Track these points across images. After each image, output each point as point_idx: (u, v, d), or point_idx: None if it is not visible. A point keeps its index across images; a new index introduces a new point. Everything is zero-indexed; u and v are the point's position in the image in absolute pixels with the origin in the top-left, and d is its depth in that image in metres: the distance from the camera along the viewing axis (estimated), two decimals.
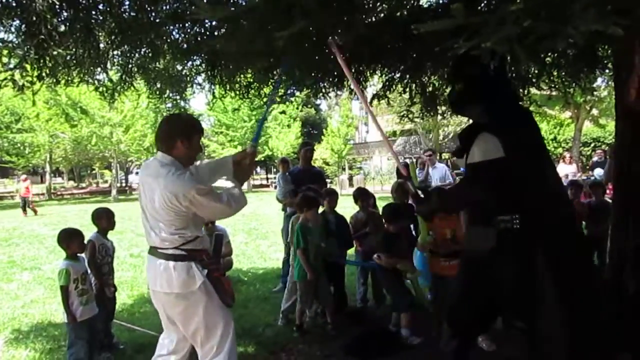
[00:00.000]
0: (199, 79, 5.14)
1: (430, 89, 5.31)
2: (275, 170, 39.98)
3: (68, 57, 3.74)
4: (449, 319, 3.20)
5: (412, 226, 5.34)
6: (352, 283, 6.01)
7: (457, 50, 1.67)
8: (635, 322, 3.41)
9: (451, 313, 3.17)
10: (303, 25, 2.22)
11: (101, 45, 3.92)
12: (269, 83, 4.98)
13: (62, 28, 3.39)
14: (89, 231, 4.46)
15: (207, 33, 3.76)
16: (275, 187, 7.27)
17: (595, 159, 13.37)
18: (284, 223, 6.45)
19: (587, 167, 17.70)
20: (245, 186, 3.22)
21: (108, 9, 3.54)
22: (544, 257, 2.58)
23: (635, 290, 3.57)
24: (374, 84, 6.89)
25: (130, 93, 5.13)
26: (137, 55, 4.32)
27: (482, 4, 3.11)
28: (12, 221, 16.91)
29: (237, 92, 5.12)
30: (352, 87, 5.05)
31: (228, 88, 4.97)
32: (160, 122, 3.06)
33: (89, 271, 4.20)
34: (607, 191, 6.68)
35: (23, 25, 3.22)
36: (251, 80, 4.96)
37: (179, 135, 2.90)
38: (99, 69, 4.35)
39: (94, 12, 3.55)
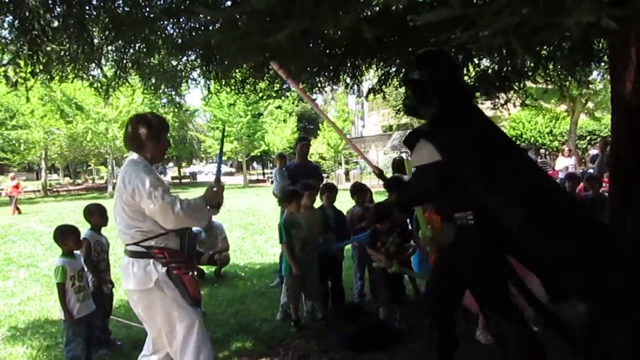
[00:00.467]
0: (194, 74, 5.11)
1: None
2: (271, 165, 39.95)
3: (62, 53, 3.72)
4: (426, 310, 3.32)
5: (408, 220, 5.34)
6: (350, 278, 6.01)
7: (455, 41, 1.66)
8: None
9: (427, 304, 3.30)
10: (299, 23, 2.21)
11: (95, 41, 3.89)
12: (265, 78, 4.96)
13: (56, 24, 3.37)
14: (86, 228, 4.45)
15: (202, 28, 3.74)
16: (272, 182, 7.25)
17: (594, 152, 13.41)
18: (280, 218, 6.45)
19: (583, 160, 17.74)
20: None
21: (102, 4, 3.52)
22: (492, 253, 2.72)
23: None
24: (370, 78, 6.88)
25: (125, 89, 5.10)
26: (131, 50, 4.30)
27: None
28: (7, 218, 16.86)
29: (233, 87, 5.10)
30: (347, 81, 5.06)
31: (223, 83, 4.95)
32: (127, 123, 3.06)
33: (85, 268, 4.19)
34: (604, 184, 6.70)
35: (16, 21, 3.19)
36: (246, 75, 4.94)
37: (148, 135, 2.94)
38: (93, 64, 4.32)
39: (87, 8, 3.52)
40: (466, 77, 5.11)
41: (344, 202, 6.05)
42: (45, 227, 13.56)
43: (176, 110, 5.79)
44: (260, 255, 8.84)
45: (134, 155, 2.94)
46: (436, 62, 2.77)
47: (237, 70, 4.78)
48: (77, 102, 25.54)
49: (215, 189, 3.03)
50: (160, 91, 5.29)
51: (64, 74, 4.22)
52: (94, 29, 3.76)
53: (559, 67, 4.69)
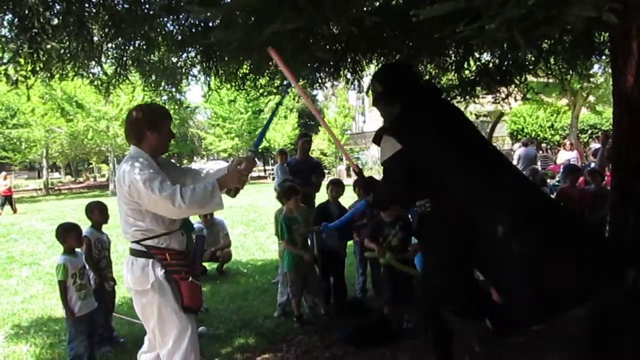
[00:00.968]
0: (194, 71, 5.10)
1: (427, 77, 5.29)
2: (273, 161, 39.97)
3: (62, 51, 3.71)
4: (419, 306, 3.46)
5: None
6: (352, 273, 6.02)
7: (459, 35, 1.65)
8: (634, 306, 3.42)
9: (419, 301, 3.47)
10: (297, 20, 2.20)
11: (95, 39, 3.88)
12: (265, 74, 4.95)
13: (55, 21, 3.36)
14: (87, 225, 4.45)
15: (202, 25, 3.73)
16: (274, 179, 7.26)
17: (595, 145, 13.40)
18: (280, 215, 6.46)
19: (585, 154, 17.70)
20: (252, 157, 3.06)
21: (101, 1, 3.51)
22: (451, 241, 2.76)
23: (634, 276, 3.58)
24: (370, 73, 6.86)
25: (125, 86, 5.09)
26: (131, 47, 4.29)
27: None
28: (9, 217, 16.88)
29: (233, 84, 5.09)
30: (348, 76, 5.05)
31: (224, 80, 4.94)
32: (127, 115, 2.94)
33: (87, 266, 4.20)
34: (606, 178, 6.68)
35: (16, 19, 3.19)
36: (247, 71, 4.93)
37: (147, 126, 2.82)
38: (93, 62, 4.31)
39: (87, 5, 3.51)
40: (467, 71, 5.11)
41: (346, 198, 6.04)
42: (47, 225, 13.57)
43: (177, 107, 5.78)
44: (262, 252, 8.85)
45: (132, 150, 2.83)
46: (391, 73, 3.20)
47: (237, 67, 4.77)
48: (77, 100, 25.48)
49: (240, 167, 2.78)
50: (161, 88, 5.28)
51: (64, 72, 4.22)
52: (93, 27, 3.75)
53: (560, 60, 4.68)
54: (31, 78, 3.77)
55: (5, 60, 3.37)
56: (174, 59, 4.86)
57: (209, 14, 2.41)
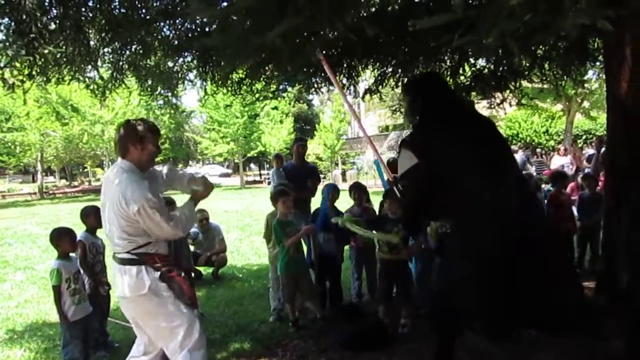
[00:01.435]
0: (191, 75, 5.12)
1: None
2: (268, 166, 39.94)
3: (58, 55, 3.72)
4: (431, 316, 3.35)
5: None
6: (348, 278, 6.02)
7: (455, 44, 1.67)
8: (628, 311, 3.45)
9: (432, 311, 3.35)
10: (294, 22, 2.21)
11: (91, 43, 3.89)
12: (261, 79, 4.97)
13: (52, 26, 3.37)
14: (82, 230, 4.44)
15: (198, 29, 3.75)
16: (269, 184, 7.26)
17: (590, 151, 13.46)
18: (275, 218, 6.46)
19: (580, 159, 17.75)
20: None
21: (98, 6, 3.53)
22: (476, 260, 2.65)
23: (627, 280, 3.60)
24: (366, 78, 6.89)
25: (121, 90, 5.10)
26: (127, 52, 4.30)
27: None
28: (4, 221, 16.80)
29: (229, 89, 5.10)
30: (344, 82, 5.07)
31: (220, 84, 4.95)
32: (116, 129, 3.11)
33: (81, 270, 4.19)
34: (600, 183, 6.72)
35: (12, 24, 3.19)
36: (243, 76, 4.95)
37: (130, 141, 2.93)
38: (89, 66, 4.32)
39: (83, 10, 3.53)
40: (462, 77, 5.13)
41: (342, 202, 6.05)
42: (42, 229, 13.52)
43: (172, 111, 5.79)
44: (258, 257, 8.83)
45: (122, 163, 2.94)
46: (422, 83, 3.15)
47: (233, 71, 4.79)
48: (72, 104, 25.47)
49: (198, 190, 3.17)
50: (157, 93, 5.30)
51: (60, 76, 4.22)
52: (90, 31, 3.76)
53: (554, 66, 4.72)
54: (28, 82, 3.78)
55: (1, 65, 3.37)
56: (170, 64, 4.87)
57: (207, 16, 2.42)
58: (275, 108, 35.26)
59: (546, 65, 4.69)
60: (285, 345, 4.41)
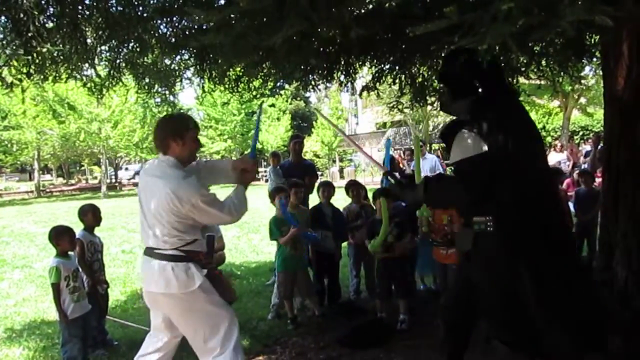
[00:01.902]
0: (188, 73, 5.11)
1: (420, 80, 5.31)
2: (265, 164, 39.92)
3: (56, 54, 3.71)
4: (442, 317, 3.09)
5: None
6: (346, 275, 6.03)
7: (456, 46, 1.68)
8: (625, 307, 3.46)
9: (443, 312, 3.09)
10: (295, 25, 2.21)
11: (88, 41, 3.88)
12: (259, 76, 4.96)
13: (50, 24, 3.36)
14: (80, 228, 4.44)
15: (196, 27, 3.74)
16: (267, 181, 7.26)
17: (587, 147, 13.50)
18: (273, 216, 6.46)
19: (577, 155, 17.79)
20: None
21: (95, 4, 3.51)
22: (522, 266, 2.45)
23: (624, 276, 3.62)
24: (363, 75, 6.89)
25: (118, 88, 5.09)
26: (125, 50, 4.29)
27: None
28: (1, 220, 16.78)
29: (227, 86, 5.10)
30: (341, 79, 5.07)
31: (217, 82, 4.95)
32: (155, 125, 3.09)
33: (79, 268, 4.19)
34: (597, 180, 6.75)
35: (10, 23, 3.18)
36: (240, 74, 4.94)
37: (171, 136, 2.91)
38: (86, 64, 4.31)
39: (80, 8, 3.51)
40: None
41: (339, 200, 6.06)
42: (39, 227, 13.50)
43: (170, 109, 5.78)
44: (256, 254, 8.84)
45: (164, 158, 2.93)
46: (472, 57, 2.57)
47: (231, 69, 4.78)
48: (69, 102, 25.36)
49: (246, 169, 3.23)
50: (154, 90, 5.29)
51: (57, 75, 4.21)
52: (87, 29, 3.75)
53: (551, 62, 4.72)
54: (25, 81, 3.77)
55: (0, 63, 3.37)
56: (168, 61, 4.86)
57: (206, 17, 2.41)
58: (273, 105, 35.26)
59: (543, 62, 4.69)
60: (283, 342, 4.42)
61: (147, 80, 5.02)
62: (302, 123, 45.33)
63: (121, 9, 3.56)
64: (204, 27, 3.57)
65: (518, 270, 2.44)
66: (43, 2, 3.16)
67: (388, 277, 4.70)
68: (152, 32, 3.88)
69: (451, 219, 4.49)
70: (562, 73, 4.94)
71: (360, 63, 4.94)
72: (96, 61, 4.37)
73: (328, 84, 5.51)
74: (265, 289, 6.18)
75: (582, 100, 21.37)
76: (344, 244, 5.84)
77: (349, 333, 4.31)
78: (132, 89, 5.57)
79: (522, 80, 5.21)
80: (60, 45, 3.63)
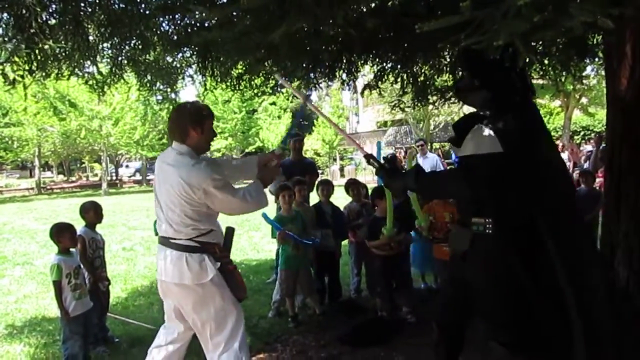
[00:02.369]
0: (190, 70, 5.12)
1: (422, 78, 5.31)
2: None
3: (58, 51, 3.71)
4: (435, 318, 3.07)
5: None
6: (346, 274, 6.03)
7: (463, 45, 1.66)
8: (627, 306, 3.47)
9: (436, 313, 3.09)
10: (298, 24, 2.21)
11: (91, 38, 3.88)
12: (260, 74, 4.96)
13: (52, 21, 3.36)
14: (81, 225, 4.44)
15: (198, 25, 3.74)
16: None
17: (588, 147, 13.52)
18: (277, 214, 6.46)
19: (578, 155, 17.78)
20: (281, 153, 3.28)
21: (97, 1, 3.51)
22: (519, 269, 2.40)
23: (626, 276, 3.62)
24: (365, 74, 6.88)
25: (120, 85, 5.09)
26: (127, 47, 4.29)
27: None
28: (1, 216, 16.78)
29: (228, 84, 5.10)
30: (343, 77, 5.07)
31: (219, 80, 4.95)
32: (171, 112, 3.07)
33: (81, 265, 4.19)
34: (597, 180, 6.75)
35: (12, 19, 3.18)
36: (242, 71, 4.94)
37: (191, 124, 2.89)
38: (88, 62, 4.31)
39: (83, 5, 3.51)
40: (462, 73, 5.13)
41: (340, 198, 6.06)
42: (40, 224, 13.51)
43: (171, 107, 5.78)
44: (257, 252, 8.84)
45: (179, 147, 2.90)
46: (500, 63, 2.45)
47: (232, 67, 4.78)
48: (70, 99, 25.35)
49: (269, 163, 3.21)
50: (156, 88, 5.29)
51: (59, 72, 4.21)
52: (89, 26, 3.75)
53: (554, 62, 4.71)
54: (27, 78, 3.77)
55: (1, 60, 3.37)
56: (170, 59, 4.87)
57: (209, 14, 2.41)
58: (274, 104, 35.24)
59: (546, 61, 4.69)
60: (284, 340, 4.42)
61: (148, 77, 5.02)
62: (303, 121, 45.31)
63: (123, 6, 3.56)
64: (207, 25, 3.57)
65: (516, 273, 2.40)
66: None
67: (389, 275, 4.70)
68: (154, 29, 3.88)
69: (453, 217, 4.50)
70: (564, 72, 4.93)
71: (362, 61, 4.94)
72: (98, 58, 4.37)
73: (329, 83, 5.50)
74: (266, 287, 6.18)
75: (584, 100, 21.36)
76: (345, 243, 5.84)
77: (349, 331, 4.31)
78: (133, 86, 5.57)
79: None
80: (63, 42, 3.63)
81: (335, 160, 35.65)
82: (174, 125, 2.95)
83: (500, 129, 2.40)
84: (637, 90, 3.47)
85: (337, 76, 5.02)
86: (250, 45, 2.89)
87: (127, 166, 46.04)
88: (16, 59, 3.39)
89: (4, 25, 3.31)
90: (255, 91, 5.46)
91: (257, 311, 5.22)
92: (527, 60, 4.47)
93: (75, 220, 4.59)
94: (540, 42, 4.14)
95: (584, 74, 6.10)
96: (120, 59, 4.49)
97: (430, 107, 7.05)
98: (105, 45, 4.21)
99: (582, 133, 23.37)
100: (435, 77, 5.32)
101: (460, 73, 3.00)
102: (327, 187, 5.58)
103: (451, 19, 1.60)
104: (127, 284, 6.78)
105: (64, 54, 3.88)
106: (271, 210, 5.34)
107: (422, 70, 5.27)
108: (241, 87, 5.25)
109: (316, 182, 6.06)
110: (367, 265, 5.64)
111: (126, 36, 3.97)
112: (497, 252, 2.48)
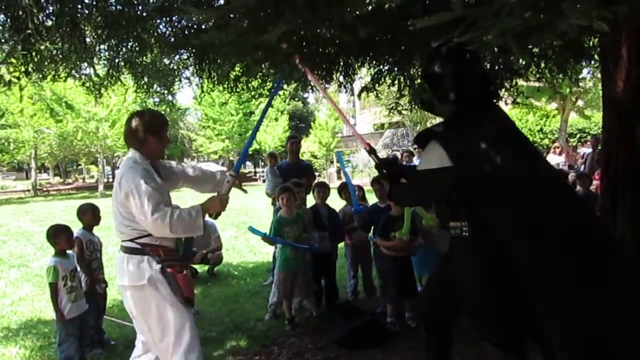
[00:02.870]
0: (187, 73, 5.11)
1: (419, 81, 5.31)
2: (263, 164, 39.91)
3: (54, 52, 3.71)
4: (422, 319, 3.12)
5: None
6: (343, 276, 6.04)
7: (456, 42, 1.67)
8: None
9: (423, 314, 3.11)
10: (292, 25, 2.21)
11: (87, 40, 3.88)
12: (257, 76, 4.96)
13: (49, 23, 3.36)
14: (77, 227, 4.43)
15: (195, 27, 3.73)
16: (264, 181, 7.25)
17: (585, 150, 13.57)
18: (273, 217, 6.46)
19: (574, 158, 17.84)
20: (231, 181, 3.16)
21: (94, 2, 3.51)
22: (495, 269, 2.44)
23: None
24: (362, 76, 6.88)
25: (117, 87, 5.08)
26: (124, 49, 4.29)
27: None
28: None
29: (225, 86, 5.09)
30: (340, 79, 5.07)
31: (216, 82, 4.94)
32: (127, 119, 3.02)
33: (77, 268, 4.18)
34: (594, 182, 6.76)
35: (9, 20, 3.17)
36: (239, 74, 4.94)
37: (150, 132, 2.91)
38: (85, 63, 4.31)
39: (80, 6, 3.51)
40: None
41: (336, 201, 6.06)
42: (36, 226, 13.46)
43: (168, 109, 5.77)
44: (253, 254, 8.84)
45: (134, 154, 2.90)
46: (457, 56, 2.50)
47: (230, 69, 4.78)
48: (67, 101, 25.30)
49: (221, 198, 3.03)
50: (153, 90, 5.28)
51: (56, 73, 4.20)
52: (86, 28, 3.75)
53: (550, 64, 4.72)
54: (24, 79, 3.76)
55: None
56: (167, 61, 4.86)
57: (204, 16, 2.41)
58: (271, 106, 35.20)
59: (542, 63, 4.70)
60: (281, 342, 4.42)
61: (145, 79, 5.01)
62: (300, 124, 45.34)
63: (120, 8, 3.56)
64: (203, 27, 3.57)
65: (494, 274, 2.45)
66: (42, 0, 3.15)
67: (397, 277, 4.69)
68: (151, 31, 3.88)
69: None
70: (561, 75, 4.94)
71: (359, 64, 4.94)
72: (95, 60, 4.37)
73: (326, 85, 5.50)
74: (262, 289, 6.18)
75: (580, 102, 21.40)
76: (341, 245, 5.84)
77: (346, 334, 4.31)
78: (130, 88, 5.56)
79: (521, 82, 5.21)
80: (59, 44, 3.62)
81: (332, 162, 35.62)
82: (132, 133, 2.94)
83: (450, 143, 2.47)
84: (633, 93, 3.47)
85: (334, 78, 5.02)
86: (247, 47, 2.89)
87: None
88: (13, 60, 3.38)
89: (0, 27, 3.30)
90: (252, 93, 5.45)
91: (254, 313, 5.22)
92: (523, 62, 4.50)
93: (72, 222, 4.59)
94: (537, 45, 4.16)
95: (580, 76, 6.11)
96: (117, 60, 4.48)
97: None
98: (102, 47, 4.21)
99: (578, 135, 23.42)
100: None
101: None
102: (323, 190, 5.58)
103: (443, 16, 1.61)
104: None
105: (60, 55, 3.88)
106: (270, 211, 5.35)
107: (419, 73, 5.27)
108: (238, 89, 5.25)
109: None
110: (363, 267, 5.64)
111: (123, 38, 3.97)
112: (474, 253, 2.54)
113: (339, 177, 30.26)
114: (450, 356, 2.99)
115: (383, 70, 5.05)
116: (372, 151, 3.16)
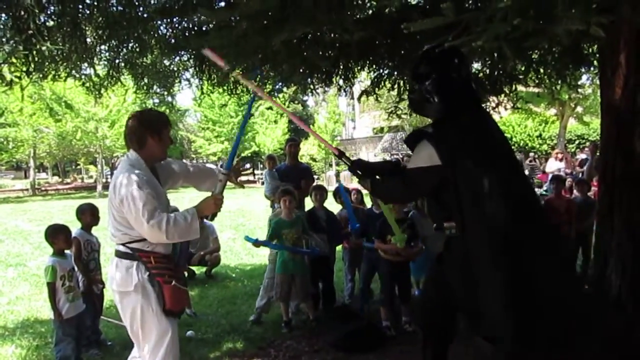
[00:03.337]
0: (187, 74, 5.12)
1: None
2: (262, 166, 39.91)
3: (55, 52, 3.71)
4: (419, 321, 3.14)
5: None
6: (341, 279, 6.04)
7: (449, 45, 1.69)
8: (619, 315, 3.48)
9: (420, 316, 3.13)
10: (299, 30, 2.22)
11: (88, 40, 3.89)
12: (257, 78, 4.96)
13: (50, 23, 3.37)
14: (75, 227, 4.43)
15: (195, 28, 3.75)
16: (263, 184, 7.25)
17: (583, 156, 13.60)
18: (269, 220, 6.46)
19: (572, 164, 17.88)
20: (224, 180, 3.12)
21: (95, 3, 3.52)
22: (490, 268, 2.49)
23: (618, 285, 3.64)
24: (362, 80, 6.91)
25: (117, 88, 5.09)
26: (124, 50, 4.30)
27: (471, 1, 3.13)
28: None
29: (225, 88, 5.11)
30: (340, 83, 5.08)
31: (216, 84, 4.96)
32: (127, 119, 2.94)
33: (75, 268, 4.18)
34: (593, 188, 6.76)
35: (10, 20, 3.18)
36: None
37: (149, 132, 2.83)
38: (86, 63, 4.32)
39: (81, 7, 3.52)
40: None
41: (334, 204, 6.07)
42: (34, 226, 13.45)
43: (168, 110, 5.78)
44: (251, 256, 8.82)
45: (133, 156, 2.83)
46: (447, 58, 2.54)
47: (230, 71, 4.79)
48: (66, 101, 25.31)
49: (215, 198, 2.95)
50: (152, 91, 5.29)
51: (57, 73, 4.21)
52: (87, 28, 3.76)
53: (549, 70, 4.75)
54: (25, 79, 3.76)
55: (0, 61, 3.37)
56: (167, 62, 4.87)
57: (215, 17, 2.42)
58: (270, 108, 35.25)
59: (541, 69, 4.72)
60: (278, 345, 4.42)
61: (145, 80, 5.03)
62: (299, 126, 45.31)
63: (121, 8, 3.58)
64: (204, 29, 3.58)
65: (487, 272, 2.49)
66: (44, 0, 3.16)
67: (392, 280, 4.68)
68: (152, 32, 3.90)
69: None
70: (560, 81, 4.96)
71: (359, 68, 4.95)
72: (95, 60, 4.38)
73: (326, 88, 5.52)
74: (259, 292, 6.17)
75: (579, 109, 21.44)
76: (339, 248, 5.84)
77: (343, 337, 4.30)
78: (130, 89, 5.57)
79: (520, 87, 5.23)
80: (60, 44, 3.63)
81: (331, 165, 35.62)
82: (131, 133, 2.86)
83: (441, 145, 2.54)
84: (631, 100, 3.49)
85: (334, 82, 5.04)
86: (248, 50, 2.90)
87: None
88: (14, 60, 3.39)
89: (1, 27, 3.31)
90: (252, 95, 5.46)
91: (250, 316, 5.21)
92: (522, 68, 4.53)
93: (71, 222, 4.58)
94: (536, 51, 4.18)
95: (579, 82, 6.13)
96: (117, 61, 4.50)
97: None
98: (102, 47, 4.22)
99: (577, 142, 23.45)
100: None
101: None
102: (321, 192, 5.57)
103: (436, 21, 1.63)
104: None
105: (61, 55, 3.89)
106: (268, 212, 5.35)
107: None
108: (238, 91, 5.26)
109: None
110: (360, 270, 5.64)
111: (124, 39, 3.98)
112: (466, 252, 2.57)
113: (338, 180, 30.28)
114: (447, 357, 3.00)
115: (383, 74, 5.07)
116: (341, 155, 3.24)
